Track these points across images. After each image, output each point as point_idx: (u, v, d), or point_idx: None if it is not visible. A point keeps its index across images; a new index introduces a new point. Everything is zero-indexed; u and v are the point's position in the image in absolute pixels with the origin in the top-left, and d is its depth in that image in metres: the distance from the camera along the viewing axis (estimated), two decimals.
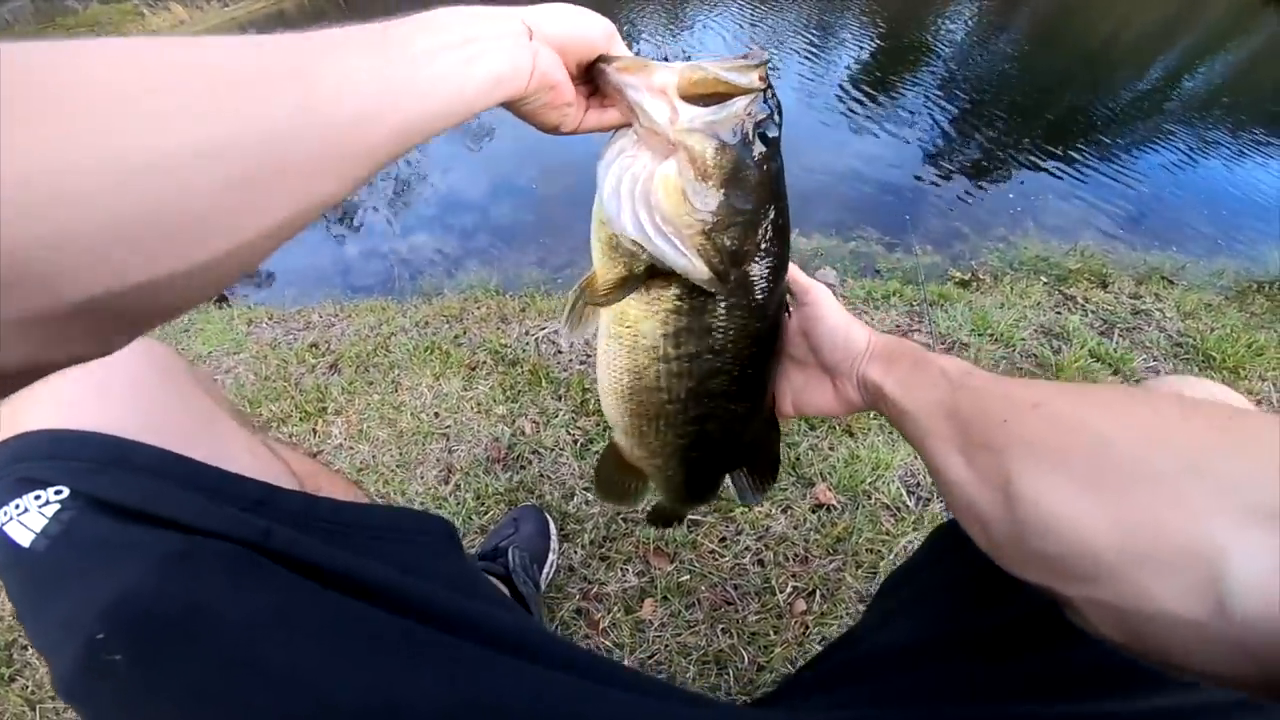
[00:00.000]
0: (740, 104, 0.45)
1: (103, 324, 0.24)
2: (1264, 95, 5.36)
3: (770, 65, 0.47)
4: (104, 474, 0.43)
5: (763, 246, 0.50)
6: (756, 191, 0.47)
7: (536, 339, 1.67)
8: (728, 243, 0.47)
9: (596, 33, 0.46)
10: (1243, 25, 7.50)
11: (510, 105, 0.43)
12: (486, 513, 1.26)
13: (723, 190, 0.45)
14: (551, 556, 1.17)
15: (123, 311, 0.24)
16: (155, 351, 0.53)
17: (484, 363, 1.60)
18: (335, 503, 0.55)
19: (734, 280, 0.49)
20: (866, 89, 4.24)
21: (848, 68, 4.66)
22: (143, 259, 0.23)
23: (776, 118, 0.47)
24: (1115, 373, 1.48)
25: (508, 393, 1.50)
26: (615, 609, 1.12)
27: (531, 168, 3.41)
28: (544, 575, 1.13)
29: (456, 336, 1.72)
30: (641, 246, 0.47)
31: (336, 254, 3.01)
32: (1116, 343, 1.60)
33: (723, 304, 0.51)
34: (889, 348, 0.56)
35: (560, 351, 1.62)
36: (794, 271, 0.58)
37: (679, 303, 0.50)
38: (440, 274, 2.51)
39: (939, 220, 2.76)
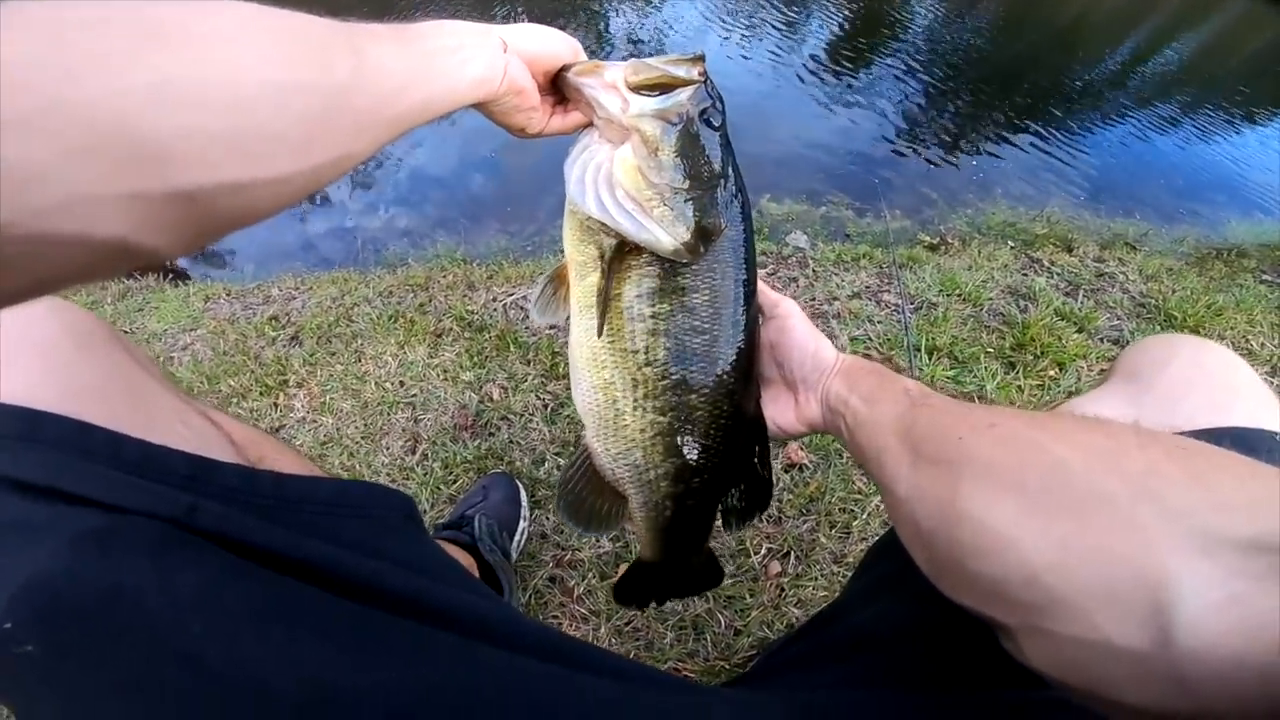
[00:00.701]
0: (683, 94, 0.51)
1: (190, 215, 0.28)
2: (1227, 73, 5.50)
3: (706, 64, 0.53)
4: (7, 449, 0.39)
5: (722, 216, 0.53)
6: (707, 166, 0.52)
7: (504, 304, 1.62)
8: (688, 211, 0.51)
9: (562, 48, 0.54)
10: (1211, 5, 7.65)
11: (482, 106, 0.50)
12: (455, 481, 1.23)
13: (675, 163, 0.50)
14: (523, 524, 1.14)
15: (209, 206, 0.29)
16: (72, 315, 0.48)
17: (450, 330, 1.55)
18: (277, 476, 0.51)
19: (700, 248, 0.52)
20: (840, 60, 4.21)
21: (822, 39, 4.62)
22: (238, 162, 0.29)
23: (719, 105, 0.53)
24: (1080, 330, 1.50)
25: (475, 359, 1.46)
26: (590, 575, 1.11)
27: (494, 141, 3.33)
28: (515, 543, 1.11)
29: (421, 305, 1.67)
30: (606, 226, 0.51)
31: (298, 230, 2.91)
32: (1081, 303, 1.63)
33: (694, 265, 0.53)
34: (855, 365, 0.57)
35: (529, 317, 1.58)
36: (762, 287, 0.59)
37: (649, 266, 0.53)
38: (405, 246, 2.43)
39: (909, 187, 2.77)
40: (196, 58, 0.27)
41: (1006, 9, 6.25)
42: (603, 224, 0.51)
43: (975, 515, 0.34)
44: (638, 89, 0.51)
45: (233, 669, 0.37)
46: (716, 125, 0.52)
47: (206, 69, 0.27)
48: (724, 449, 0.58)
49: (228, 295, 1.94)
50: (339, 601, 0.43)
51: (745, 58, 4.23)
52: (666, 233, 0.50)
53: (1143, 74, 5.19)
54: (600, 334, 0.54)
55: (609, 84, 0.51)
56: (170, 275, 2.62)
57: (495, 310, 1.61)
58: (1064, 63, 4.96)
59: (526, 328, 1.54)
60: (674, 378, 0.55)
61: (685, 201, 0.51)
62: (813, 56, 4.24)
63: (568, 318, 0.57)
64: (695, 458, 0.58)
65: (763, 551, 1.12)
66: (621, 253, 0.52)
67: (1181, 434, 0.46)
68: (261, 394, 1.47)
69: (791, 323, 0.59)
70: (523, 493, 1.18)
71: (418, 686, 0.40)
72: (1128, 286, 1.77)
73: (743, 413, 0.58)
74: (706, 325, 0.54)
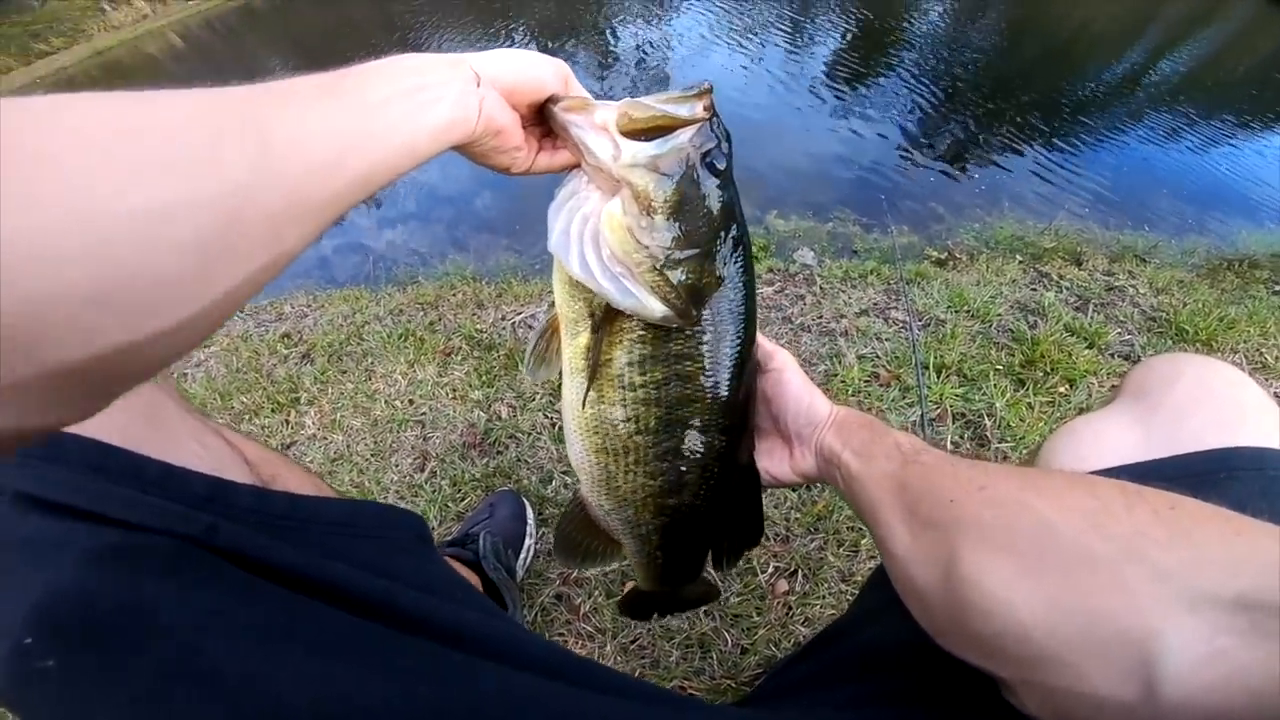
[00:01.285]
0: (683, 136, 0.44)
1: (86, 386, 0.23)
2: (1234, 82, 5.46)
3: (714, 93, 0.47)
4: (30, 467, 0.40)
5: (721, 276, 0.48)
6: (706, 223, 0.46)
7: (513, 323, 1.64)
8: (682, 277, 0.46)
9: (546, 74, 0.47)
10: (1216, 13, 7.61)
11: (459, 148, 0.44)
12: (463, 499, 1.24)
13: (670, 224, 0.44)
14: (529, 541, 1.15)
15: (105, 374, 0.23)
16: None
17: (459, 348, 1.57)
18: (291, 496, 0.52)
19: (695, 314, 0.48)
20: (846, 75, 4.25)
21: (828, 54, 4.67)
22: (119, 321, 0.23)
23: (725, 146, 0.46)
24: (1090, 346, 1.49)
25: (483, 378, 1.47)
26: (596, 593, 1.10)
27: None
28: (521, 560, 1.12)
29: (431, 323, 1.69)
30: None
31: (312, 249, 2.96)
32: (1091, 317, 1.62)
33: (689, 331, 0.49)
34: (848, 418, 0.57)
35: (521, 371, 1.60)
36: (759, 339, 0.58)
37: (642, 332, 0.49)
38: (416, 263, 2.47)
39: (915, 202, 2.77)
40: (30, 197, 0.20)
41: (1009, 21, 6.27)
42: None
43: (971, 578, 0.36)
44: (632, 134, 0.44)
45: (247, 685, 0.37)
46: (720, 169, 0.46)
47: (48, 212, 0.20)
48: (716, 503, 0.58)
49: (240, 312, 1.97)
50: (351, 619, 0.44)
51: (752, 72, 4.28)
52: (661, 299, 0.46)
53: (1147, 83, 5.17)
54: (584, 405, 0.51)
55: (599, 125, 0.44)
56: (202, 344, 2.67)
57: (504, 329, 1.63)
58: (1067, 74, 4.96)
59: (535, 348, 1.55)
60: (666, 446, 0.53)
61: (679, 265, 0.45)
62: (819, 71, 4.28)
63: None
64: (687, 513, 0.58)
65: (770, 570, 1.11)
66: (611, 314, 0.48)
67: (1188, 453, 0.46)
68: (273, 411, 1.49)
69: (787, 376, 0.59)
70: (529, 510, 1.18)
71: (426, 705, 0.40)
72: (1138, 300, 1.76)
73: (736, 467, 0.58)
74: (701, 393, 0.52)
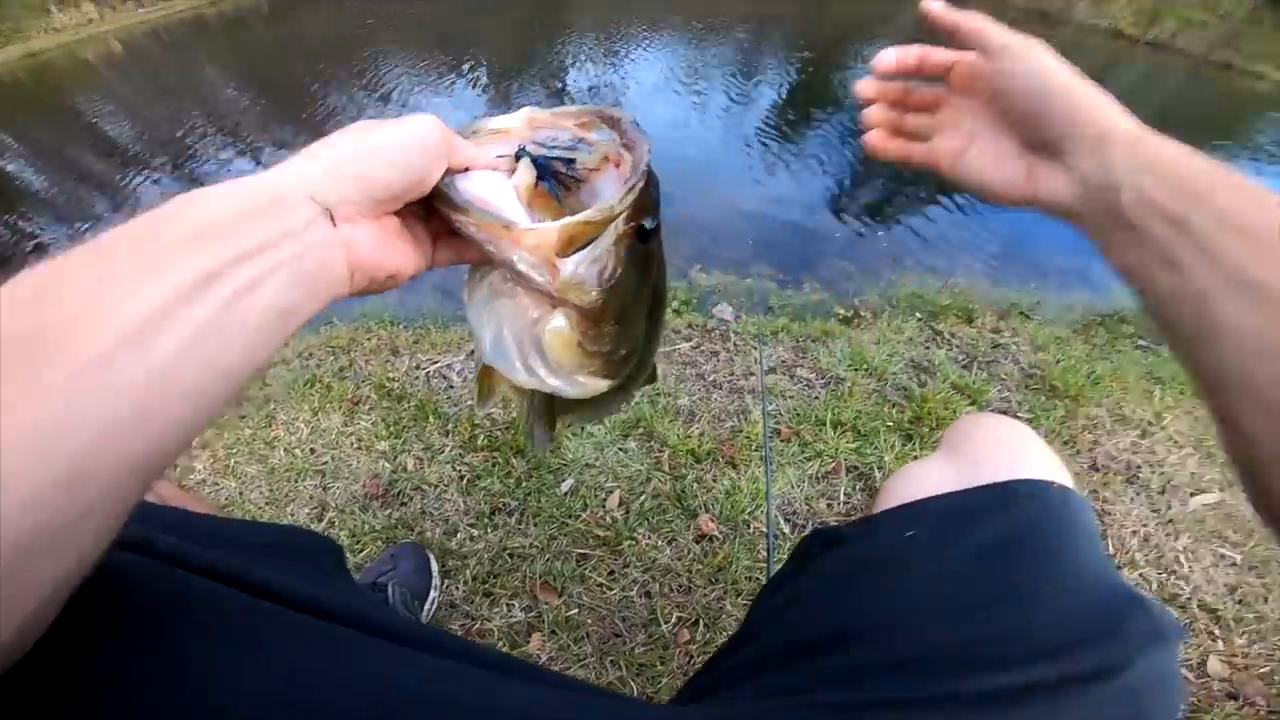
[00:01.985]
0: (619, 222, 0.38)
1: None
2: None
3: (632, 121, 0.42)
4: None
5: (651, 328, 0.48)
6: (646, 298, 0.44)
7: (427, 373, 1.63)
8: (624, 353, 0.45)
9: (423, 161, 0.36)
10: (1108, 68, 8.47)
11: None
12: (362, 550, 1.21)
13: (615, 321, 0.42)
14: (433, 594, 1.13)
15: None
16: None
17: (368, 397, 1.54)
18: (214, 519, 0.51)
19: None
20: (778, 131, 4.46)
21: (765, 109, 4.89)
22: None
23: (655, 198, 0.41)
24: (973, 403, 1.62)
25: (391, 428, 1.45)
26: (501, 644, 1.10)
27: None
28: (425, 613, 1.10)
29: (341, 369, 1.65)
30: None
31: None
32: (975, 375, 1.75)
33: None
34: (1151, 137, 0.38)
35: (451, 386, 1.59)
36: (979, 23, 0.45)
37: None
38: (333, 305, 2.39)
39: (830, 259, 2.93)
40: None
41: (928, 80, 6.80)
42: None
43: None
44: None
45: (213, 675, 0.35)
46: (651, 228, 0.41)
47: None
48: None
49: None
50: (304, 617, 0.42)
51: (693, 122, 4.44)
52: (606, 378, 0.45)
53: None
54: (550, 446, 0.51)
55: (531, 247, 0.36)
56: None
57: (417, 378, 1.61)
58: None
59: (448, 398, 1.54)
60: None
61: (627, 354, 0.44)
62: (754, 125, 4.49)
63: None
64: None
65: (673, 620, 1.14)
66: None
67: (984, 485, 0.55)
68: None
69: (1018, 66, 0.44)
70: (433, 563, 1.16)
71: (389, 693, 0.39)
72: (1018, 357, 1.92)
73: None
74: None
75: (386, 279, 0.37)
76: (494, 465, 1.36)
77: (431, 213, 0.40)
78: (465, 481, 1.33)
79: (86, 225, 3.56)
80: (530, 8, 8.52)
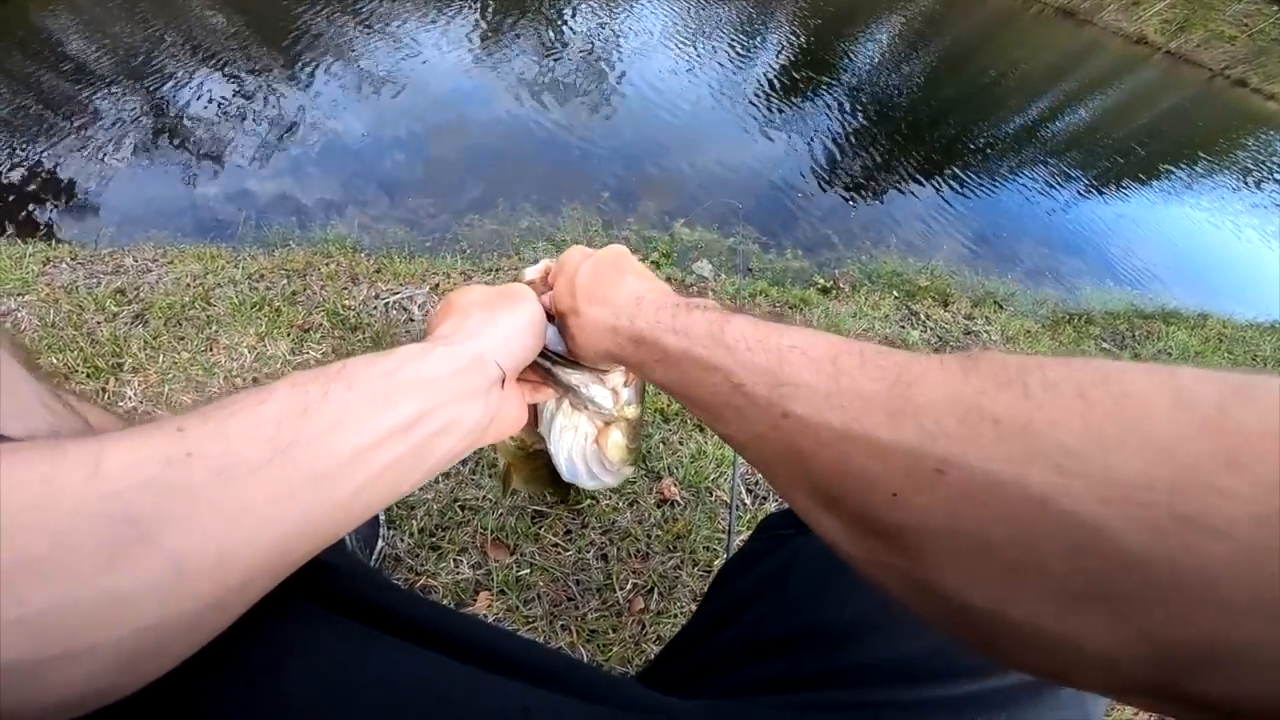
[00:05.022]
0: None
1: None
2: (1112, 143, 6.17)
3: None
4: None
5: None
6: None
7: (387, 303, 1.53)
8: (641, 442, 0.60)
9: (540, 340, 0.46)
10: (1121, 72, 8.45)
11: None
12: None
13: (640, 423, 0.57)
14: (380, 543, 1.07)
15: None
16: None
17: (320, 325, 1.43)
18: None
19: None
20: (776, 93, 4.36)
21: (765, 70, 4.77)
22: None
23: None
24: None
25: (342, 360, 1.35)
26: (446, 601, 1.05)
27: (426, 123, 3.15)
28: (374, 560, 1.04)
29: (294, 293, 1.54)
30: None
31: (181, 192, 2.60)
32: None
33: None
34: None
35: (412, 320, 1.49)
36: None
37: None
38: (293, 225, 2.24)
39: (813, 227, 2.89)
40: None
41: (936, 65, 6.71)
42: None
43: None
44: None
45: None
46: None
47: None
48: None
49: (72, 260, 1.71)
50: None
51: (690, 78, 4.29)
52: (633, 468, 0.60)
53: (1042, 138, 5.71)
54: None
55: (610, 389, 0.52)
56: (10, 231, 2.29)
57: (375, 309, 1.51)
58: (975, 120, 5.37)
59: (407, 331, 1.45)
60: None
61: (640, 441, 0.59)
62: (752, 86, 4.37)
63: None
64: None
65: (628, 587, 1.10)
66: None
67: None
68: (89, 376, 1.30)
69: None
70: (380, 510, 1.10)
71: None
72: (989, 346, 1.92)
73: None
74: None
75: (509, 430, 0.45)
76: None
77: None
78: None
79: (46, 147, 3.18)
80: None
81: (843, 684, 0.47)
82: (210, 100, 3.14)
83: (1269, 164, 7.24)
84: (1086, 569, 0.19)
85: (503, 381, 0.40)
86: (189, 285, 1.57)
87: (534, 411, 0.56)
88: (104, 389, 1.28)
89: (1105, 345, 2.50)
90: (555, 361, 0.49)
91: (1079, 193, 4.68)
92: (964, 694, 0.43)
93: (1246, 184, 6.37)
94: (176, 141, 2.83)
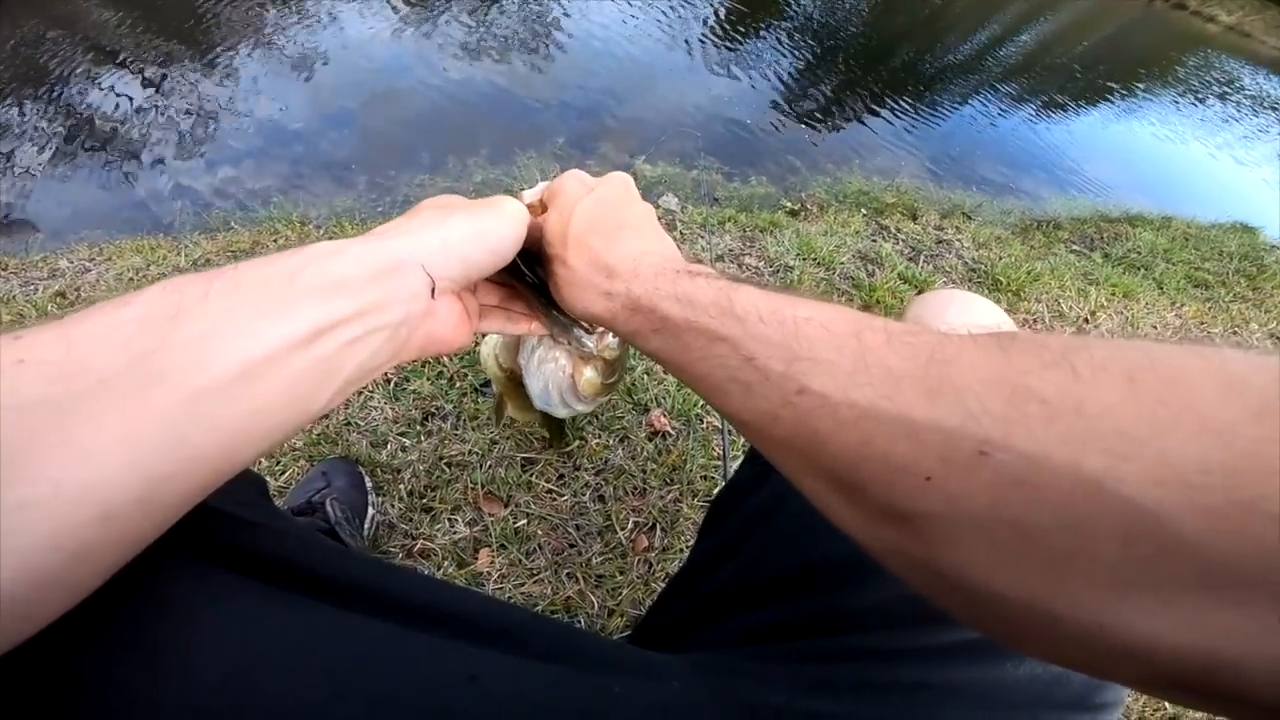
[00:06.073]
0: None
1: None
2: (1067, 61, 6.22)
3: None
4: None
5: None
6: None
7: None
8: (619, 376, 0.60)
9: (510, 253, 0.39)
10: None
11: None
12: (283, 471, 1.08)
13: (619, 362, 0.57)
14: (370, 510, 1.04)
15: None
16: None
17: None
18: None
19: None
20: (729, 26, 4.27)
21: (712, 5, 4.64)
22: None
23: None
24: (920, 292, 1.60)
25: None
26: (446, 563, 1.02)
27: (360, 94, 3.01)
28: (366, 531, 1.01)
29: None
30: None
31: (111, 193, 2.46)
32: (922, 267, 1.74)
33: None
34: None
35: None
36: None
37: None
38: (232, 207, 2.13)
39: (777, 154, 2.85)
40: None
41: None
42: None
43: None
44: None
45: None
46: None
47: None
48: None
49: (3, 271, 1.61)
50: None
51: (641, 17, 4.15)
52: (608, 397, 0.61)
53: (995, 59, 5.74)
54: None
55: (598, 333, 0.52)
56: None
57: None
58: (928, 44, 5.37)
59: None
60: None
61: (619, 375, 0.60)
62: (705, 19, 4.26)
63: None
64: None
65: (629, 526, 1.09)
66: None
67: None
68: None
69: None
70: (366, 478, 1.06)
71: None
72: (962, 253, 1.92)
73: None
74: None
75: (438, 349, 0.38)
76: (423, 365, 1.23)
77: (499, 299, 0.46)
78: (392, 385, 1.20)
79: None
80: None
81: (830, 630, 0.46)
82: (121, 98, 2.95)
83: (1209, 80, 7.40)
84: (1139, 556, 0.18)
85: (433, 291, 0.34)
86: (132, 279, 1.49)
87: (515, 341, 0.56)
88: None
89: (1076, 248, 2.53)
90: (548, 302, 0.45)
91: (1030, 116, 4.76)
92: (953, 641, 0.42)
93: (1191, 101, 6.49)
94: (95, 144, 2.66)
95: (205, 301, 0.25)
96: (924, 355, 0.25)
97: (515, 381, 0.60)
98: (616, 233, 0.40)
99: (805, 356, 0.27)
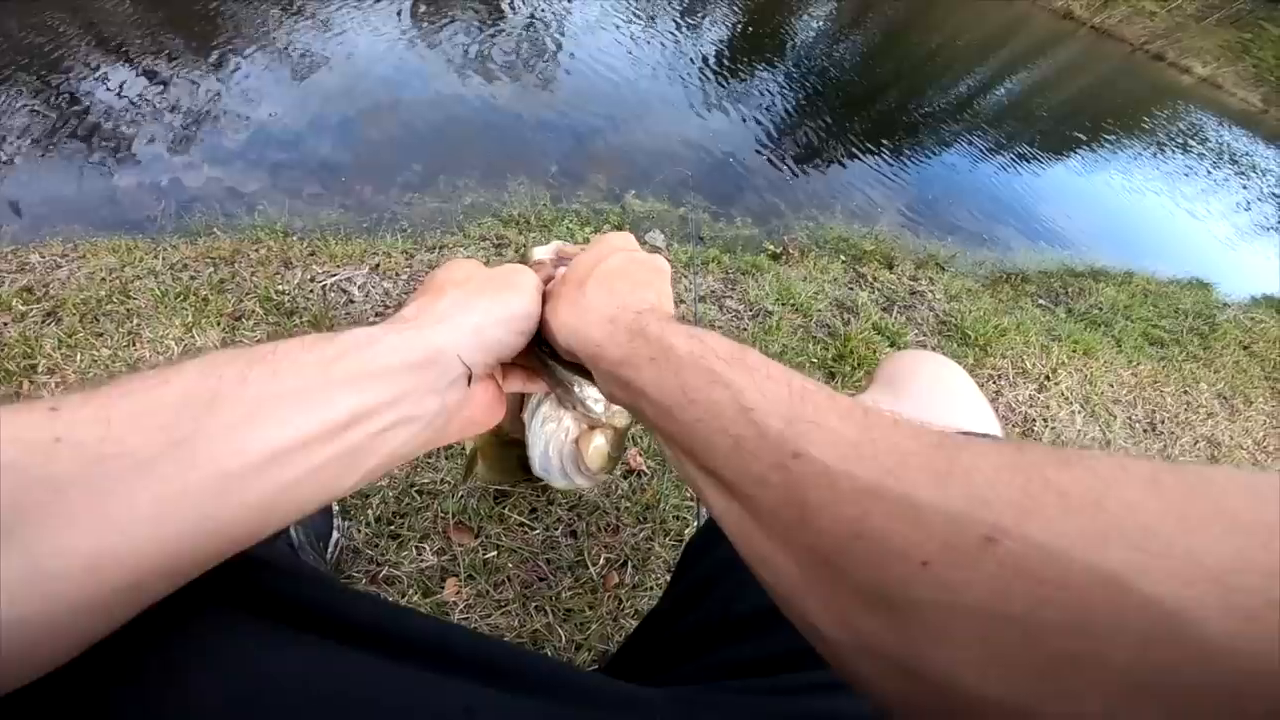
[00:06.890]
0: None
1: None
2: (1045, 112, 6.47)
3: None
4: None
5: None
6: None
7: (324, 286, 1.45)
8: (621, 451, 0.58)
9: (533, 330, 0.41)
10: (1046, 46, 8.78)
11: None
12: None
13: (626, 433, 0.55)
14: (335, 535, 1.02)
15: None
16: None
17: (252, 312, 1.35)
18: None
19: None
20: (722, 67, 4.36)
21: (711, 44, 4.75)
22: None
23: None
24: (892, 344, 1.65)
25: None
26: (411, 592, 1.01)
27: (350, 106, 3.00)
28: (329, 554, 0.99)
29: (221, 281, 1.44)
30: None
31: (92, 187, 2.39)
32: (895, 318, 1.79)
33: None
34: None
35: (352, 301, 1.43)
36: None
37: None
38: (217, 212, 2.10)
39: (761, 196, 2.91)
40: None
41: (877, 38, 6.84)
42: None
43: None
44: None
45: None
46: None
47: None
48: None
49: None
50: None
51: (636, 53, 4.22)
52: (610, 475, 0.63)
53: (977, 108, 5.96)
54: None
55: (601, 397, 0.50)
56: None
57: (311, 292, 1.43)
58: (913, 93, 5.54)
59: (348, 314, 1.38)
60: None
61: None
62: (698, 60, 4.35)
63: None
64: None
65: (601, 562, 1.09)
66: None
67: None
68: None
69: None
70: (333, 502, 1.05)
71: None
72: (934, 305, 1.98)
73: None
74: None
75: (476, 430, 0.40)
76: None
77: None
78: None
79: None
80: None
81: (807, 665, 0.45)
82: (108, 89, 2.90)
83: (1175, 133, 7.80)
84: (1155, 661, 0.17)
85: (469, 379, 0.35)
86: (104, 279, 1.46)
87: (517, 398, 0.53)
88: (17, 394, 1.18)
89: (1042, 302, 2.63)
90: (552, 354, 0.45)
91: (1006, 164, 4.93)
92: None
93: (1154, 153, 6.85)
94: (81, 135, 2.59)
95: (243, 386, 0.26)
96: (934, 439, 0.24)
97: (498, 439, 0.59)
98: (644, 286, 0.40)
99: (808, 419, 0.26)
